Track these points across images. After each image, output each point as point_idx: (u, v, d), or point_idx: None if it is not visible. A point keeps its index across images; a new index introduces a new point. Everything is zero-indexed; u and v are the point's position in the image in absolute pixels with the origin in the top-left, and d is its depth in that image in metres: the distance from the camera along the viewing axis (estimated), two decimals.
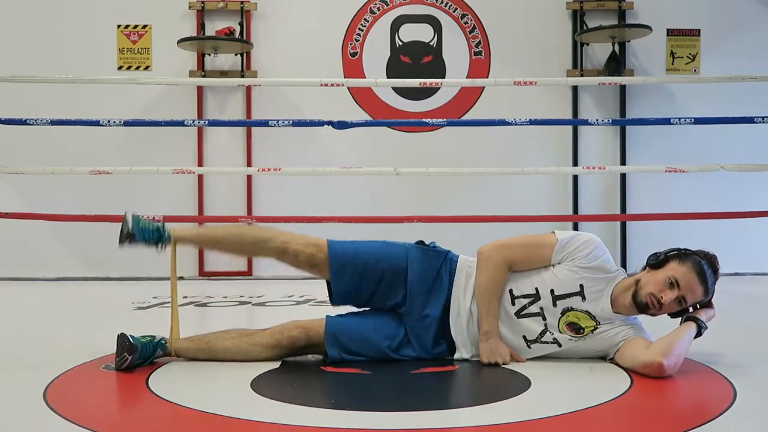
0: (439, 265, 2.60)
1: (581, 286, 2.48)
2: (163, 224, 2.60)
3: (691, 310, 2.48)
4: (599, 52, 5.81)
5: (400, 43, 5.87)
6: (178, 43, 5.48)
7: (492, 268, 2.52)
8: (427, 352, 2.56)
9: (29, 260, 5.63)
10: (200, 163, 5.71)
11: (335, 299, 2.64)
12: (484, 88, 5.81)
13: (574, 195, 5.84)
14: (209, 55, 5.67)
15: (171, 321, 2.56)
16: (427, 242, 2.68)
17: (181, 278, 5.60)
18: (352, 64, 5.85)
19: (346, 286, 2.59)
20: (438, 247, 2.66)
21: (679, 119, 4.86)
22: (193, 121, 5.24)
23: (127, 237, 2.52)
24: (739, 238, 5.62)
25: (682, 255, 2.45)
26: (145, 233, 2.54)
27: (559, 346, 2.51)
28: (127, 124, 4.92)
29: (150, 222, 2.57)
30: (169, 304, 2.60)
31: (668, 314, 2.51)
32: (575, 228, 5.59)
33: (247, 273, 5.74)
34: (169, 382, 2.29)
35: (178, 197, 5.71)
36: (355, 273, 2.57)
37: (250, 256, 2.75)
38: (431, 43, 5.88)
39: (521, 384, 2.26)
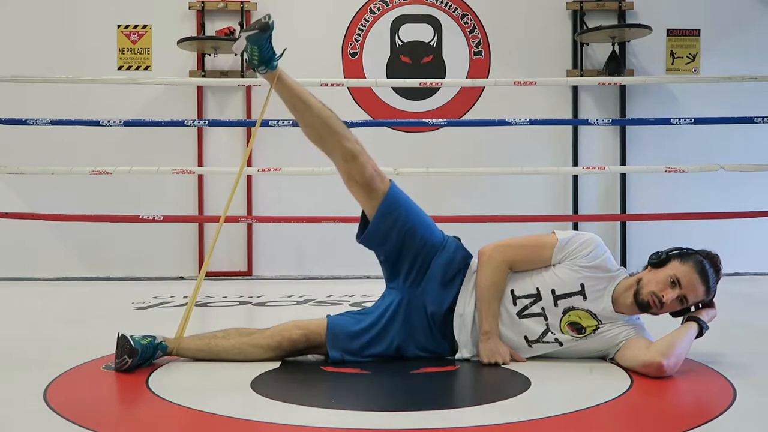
0: (459, 267, 2.61)
1: (582, 285, 2.48)
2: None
3: (692, 309, 2.48)
4: (599, 52, 5.81)
5: (400, 43, 5.87)
6: (178, 43, 5.48)
7: (492, 269, 2.52)
8: (428, 352, 2.56)
9: (29, 260, 5.63)
10: (200, 163, 5.71)
11: (366, 236, 2.59)
12: (484, 88, 5.81)
13: (574, 195, 5.84)
14: (209, 55, 5.67)
15: (181, 321, 2.55)
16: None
17: (181, 278, 5.60)
18: (352, 64, 5.85)
19: (382, 228, 2.55)
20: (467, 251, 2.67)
21: (679, 119, 4.86)
22: (193, 121, 5.24)
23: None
24: (739, 238, 5.61)
25: (684, 254, 2.45)
26: None
27: (560, 345, 2.51)
28: (127, 124, 4.93)
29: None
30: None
31: (669, 314, 2.51)
32: (575, 228, 5.59)
33: (247, 273, 5.74)
34: (169, 382, 2.28)
35: (178, 197, 5.71)
36: (396, 221, 2.54)
37: (320, 138, 2.59)
38: (431, 43, 5.88)
39: (521, 384, 2.26)
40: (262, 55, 2.52)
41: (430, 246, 2.58)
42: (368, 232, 2.57)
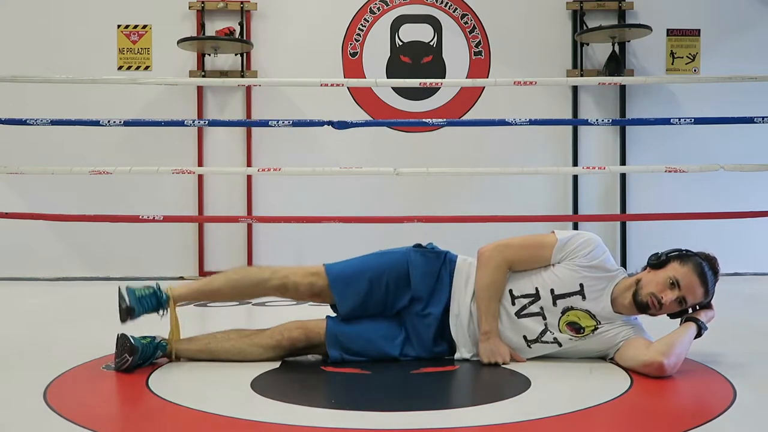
0: (439, 267, 2.60)
1: (581, 285, 2.48)
2: (158, 286, 2.53)
3: (690, 310, 2.49)
4: (599, 52, 5.81)
5: (400, 43, 5.87)
6: (178, 43, 5.48)
7: (492, 268, 2.52)
8: (427, 352, 2.56)
9: (29, 260, 5.63)
10: (200, 163, 5.71)
11: (344, 315, 2.59)
12: (484, 88, 5.80)
13: (574, 195, 5.84)
14: (209, 55, 5.67)
15: (171, 327, 2.55)
16: (424, 244, 2.69)
17: (181, 278, 5.60)
18: (352, 64, 5.85)
19: (352, 306, 2.56)
20: (436, 248, 2.66)
21: (679, 119, 4.86)
22: (193, 121, 5.24)
23: (128, 313, 2.44)
24: (739, 238, 5.61)
25: (683, 256, 2.45)
26: (143, 303, 2.47)
27: (560, 345, 2.51)
28: (127, 124, 4.91)
29: (145, 289, 2.51)
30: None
31: (668, 315, 2.51)
32: (575, 228, 5.59)
33: None
34: (169, 382, 2.29)
35: (178, 197, 5.71)
36: (359, 291, 2.55)
37: (252, 298, 2.75)
38: (431, 43, 5.88)
39: (521, 384, 2.26)
40: (152, 309, 2.52)
41: (397, 276, 2.58)
42: (343, 315, 2.57)
